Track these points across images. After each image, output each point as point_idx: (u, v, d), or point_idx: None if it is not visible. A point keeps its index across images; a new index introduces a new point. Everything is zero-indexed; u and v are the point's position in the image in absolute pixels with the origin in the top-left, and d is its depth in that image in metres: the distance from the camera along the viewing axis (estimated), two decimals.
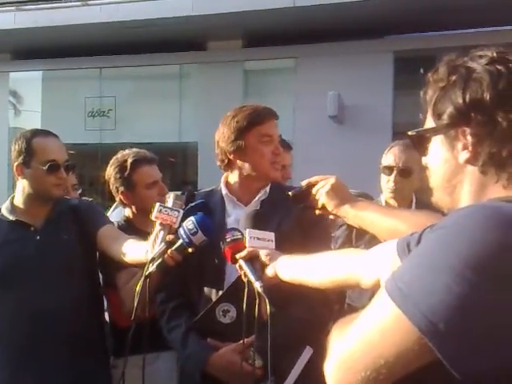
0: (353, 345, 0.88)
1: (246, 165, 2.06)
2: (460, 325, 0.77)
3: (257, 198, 2.06)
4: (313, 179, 1.72)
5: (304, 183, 1.74)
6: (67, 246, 2.28)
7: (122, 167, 2.49)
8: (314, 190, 1.69)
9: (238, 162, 2.07)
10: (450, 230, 0.83)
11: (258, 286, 1.58)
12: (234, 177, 2.11)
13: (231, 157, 2.07)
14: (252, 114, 2.03)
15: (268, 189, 2.09)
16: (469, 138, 0.94)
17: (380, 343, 0.83)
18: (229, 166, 2.10)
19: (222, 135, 2.06)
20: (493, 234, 0.79)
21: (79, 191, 3.62)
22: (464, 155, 0.96)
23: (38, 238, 2.27)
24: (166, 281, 2.07)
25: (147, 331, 1.71)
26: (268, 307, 1.53)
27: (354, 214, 1.60)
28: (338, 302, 2.38)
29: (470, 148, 0.94)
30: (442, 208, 1.05)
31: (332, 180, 1.67)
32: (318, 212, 1.70)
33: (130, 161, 2.49)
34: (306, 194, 1.72)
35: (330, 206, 1.64)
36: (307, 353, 1.87)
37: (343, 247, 2.67)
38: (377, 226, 1.55)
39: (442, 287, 0.78)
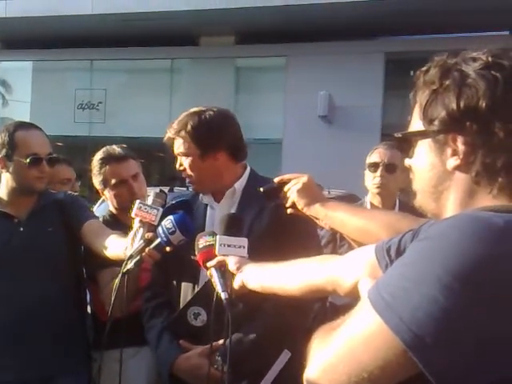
0: (335, 356, 0.84)
1: None
2: (447, 338, 0.74)
3: (226, 195, 2.01)
4: (285, 176, 1.69)
5: (276, 180, 1.70)
6: (51, 239, 2.28)
7: (94, 165, 2.48)
8: (285, 188, 1.66)
9: None
10: (437, 241, 0.80)
11: (223, 297, 1.51)
12: None
13: None
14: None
15: (240, 185, 2.03)
16: (460, 145, 0.90)
17: (363, 355, 0.80)
18: None
19: None
20: (481, 245, 0.76)
21: (79, 183, 3.53)
22: (453, 162, 0.92)
23: (22, 229, 2.27)
24: (151, 279, 2.05)
25: (124, 326, 1.70)
26: (230, 321, 1.46)
27: (325, 214, 1.57)
28: (319, 300, 2.37)
29: (461, 156, 0.90)
30: (426, 212, 1.01)
31: (304, 179, 1.64)
32: (289, 211, 1.67)
33: (98, 159, 2.46)
34: (277, 191, 1.69)
35: (300, 205, 1.61)
36: (284, 356, 1.85)
37: (328, 246, 2.68)
38: (347, 226, 1.53)
39: (429, 300, 0.75)
